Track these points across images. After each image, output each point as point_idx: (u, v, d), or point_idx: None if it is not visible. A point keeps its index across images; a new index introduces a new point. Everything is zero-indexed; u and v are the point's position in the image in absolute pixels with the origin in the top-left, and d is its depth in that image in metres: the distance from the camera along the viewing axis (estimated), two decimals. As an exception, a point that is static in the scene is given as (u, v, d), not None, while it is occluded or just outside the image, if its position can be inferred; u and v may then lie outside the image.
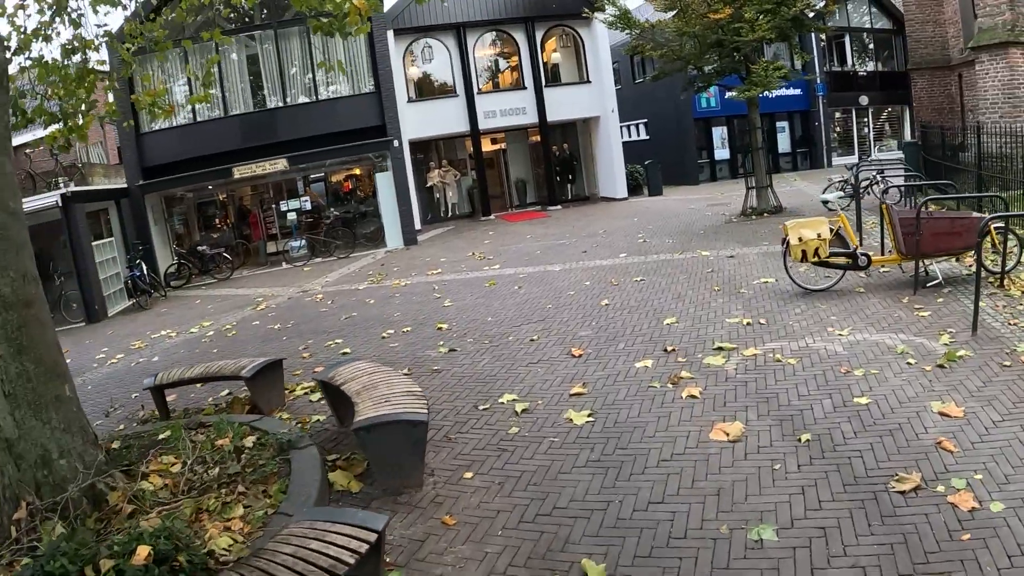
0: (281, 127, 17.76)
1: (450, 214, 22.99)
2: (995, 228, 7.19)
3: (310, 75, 18.08)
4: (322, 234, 18.16)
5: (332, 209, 19.09)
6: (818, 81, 25.38)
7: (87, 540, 4.01)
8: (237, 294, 14.45)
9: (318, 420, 5.84)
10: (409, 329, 8.64)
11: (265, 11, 17.90)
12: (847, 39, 27.11)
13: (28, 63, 6.92)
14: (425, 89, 21.82)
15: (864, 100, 27.07)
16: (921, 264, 7.39)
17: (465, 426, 5.20)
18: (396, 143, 17.88)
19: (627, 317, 7.70)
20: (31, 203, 14.84)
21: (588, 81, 22.37)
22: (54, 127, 7.46)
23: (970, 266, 7.97)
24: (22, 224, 4.53)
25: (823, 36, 25.03)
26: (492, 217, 21.55)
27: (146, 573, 3.10)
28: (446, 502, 4.15)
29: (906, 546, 3.17)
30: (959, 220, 7.34)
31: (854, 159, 24.76)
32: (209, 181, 18.17)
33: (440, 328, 8.40)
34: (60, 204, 14.56)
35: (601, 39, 21.66)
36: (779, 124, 26.54)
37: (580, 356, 6.48)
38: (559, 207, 22.07)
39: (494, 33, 21.92)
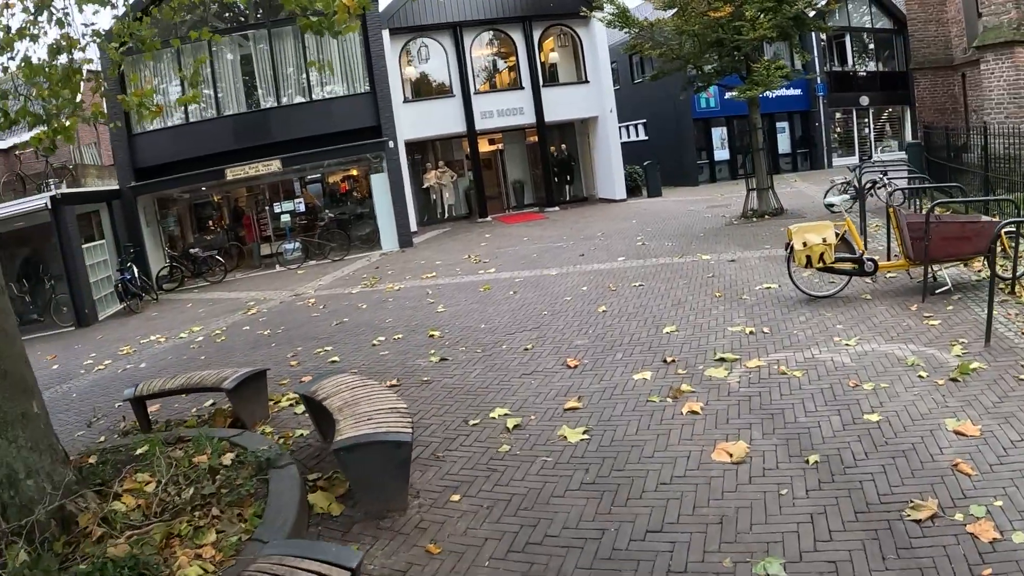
0: (275, 128, 17.50)
1: (447, 216, 22.74)
2: (1005, 233, 6.94)
3: (304, 75, 17.82)
4: (316, 236, 17.90)
5: (327, 211, 18.83)
6: (818, 81, 25.16)
7: (51, 568, 3.77)
8: (229, 298, 14.20)
9: (302, 435, 5.59)
10: (400, 336, 8.39)
11: (260, 12, 17.66)
12: (847, 39, 26.89)
13: (12, 63, 6.72)
14: (421, 89, 21.57)
15: (864, 100, 26.85)
16: (929, 270, 7.14)
17: (454, 443, 4.95)
18: (391, 144, 17.62)
19: (625, 325, 7.45)
20: (20, 206, 14.64)
21: (586, 81, 22.13)
22: (39, 128, 7.25)
23: (979, 271, 7.74)
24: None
25: (823, 36, 24.82)
26: (489, 219, 21.30)
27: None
28: (431, 527, 3.90)
29: (925, 584, 2.93)
30: (969, 224, 7.08)
31: (855, 160, 24.55)
32: (202, 182, 17.93)
33: (432, 335, 8.15)
34: (49, 206, 14.30)
35: (599, 38, 21.42)
36: (779, 124, 26.32)
37: (576, 367, 6.23)
38: (557, 208, 21.82)
39: (491, 32, 21.68)
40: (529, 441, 4.78)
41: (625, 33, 15.88)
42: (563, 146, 23.50)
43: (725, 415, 4.77)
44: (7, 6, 6.83)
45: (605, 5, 14.85)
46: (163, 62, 17.03)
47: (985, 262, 7.45)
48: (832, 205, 8.29)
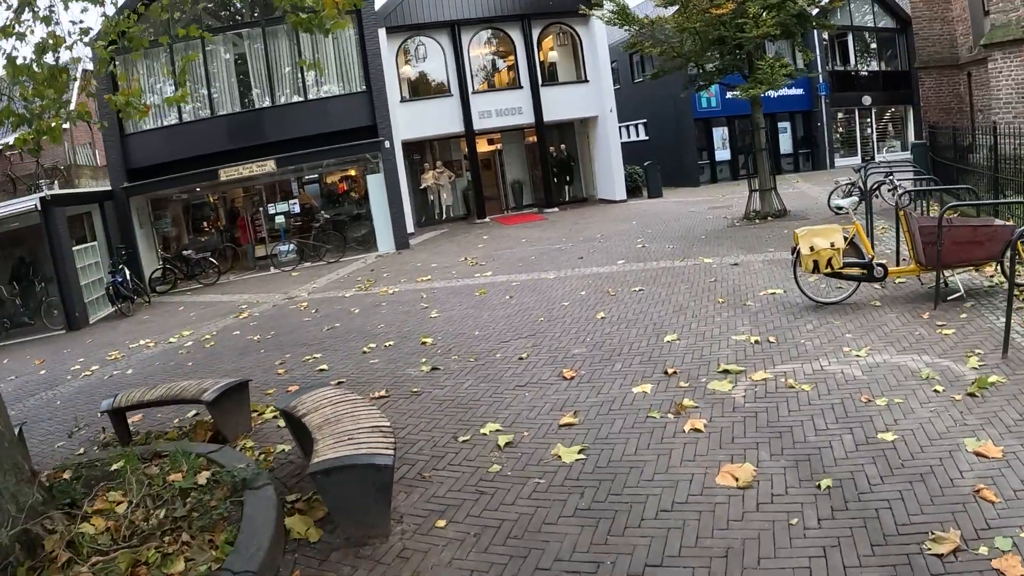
0: (269, 128, 17.23)
1: (444, 216, 22.46)
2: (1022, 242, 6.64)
3: (299, 74, 17.55)
4: (312, 238, 17.62)
5: (323, 212, 18.56)
6: (820, 81, 24.87)
7: (10, 597, 3.53)
8: (221, 300, 13.95)
9: (283, 450, 5.31)
10: (392, 343, 8.12)
11: (257, 11, 17.38)
12: (850, 38, 26.61)
13: None
14: (419, 88, 21.29)
15: (867, 100, 26.56)
16: (941, 275, 6.86)
17: (442, 461, 4.67)
18: (387, 144, 17.34)
19: (624, 332, 7.17)
20: (9, 207, 14.37)
21: (586, 80, 21.85)
22: (23, 129, 7.02)
23: (991, 276, 7.45)
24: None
25: (825, 35, 24.54)
26: (487, 220, 21.03)
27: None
28: (414, 557, 3.63)
29: (952, 631, 2.66)
30: (982, 228, 6.80)
31: (857, 160, 24.27)
32: (195, 183, 17.66)
33: (424, 343, 7.87)
34: (39, 208, 14.04)
35: (599, 37, 21.15)
36: (781, 124, 26.03)
37: (572, 378, 5.95)
38: (556, 209, 21.55)
39: (489, 31, 21.40)
40: (521, 460, 4.50)
41: (625, 31, 15.62)
42: (562, 146, 23.21)
43: (730, 433, 4.49)
44: (-8, 5, 6.58)
45: (605, 3, 14.57)
46: (158, 61, 16.77)
47: (998, 268, 7.18)
48: (841, 208, 7.98)
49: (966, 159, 12.61)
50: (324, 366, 7.54)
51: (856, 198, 8.78)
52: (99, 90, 10.09)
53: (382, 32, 18.85)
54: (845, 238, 7.06)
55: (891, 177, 11.89)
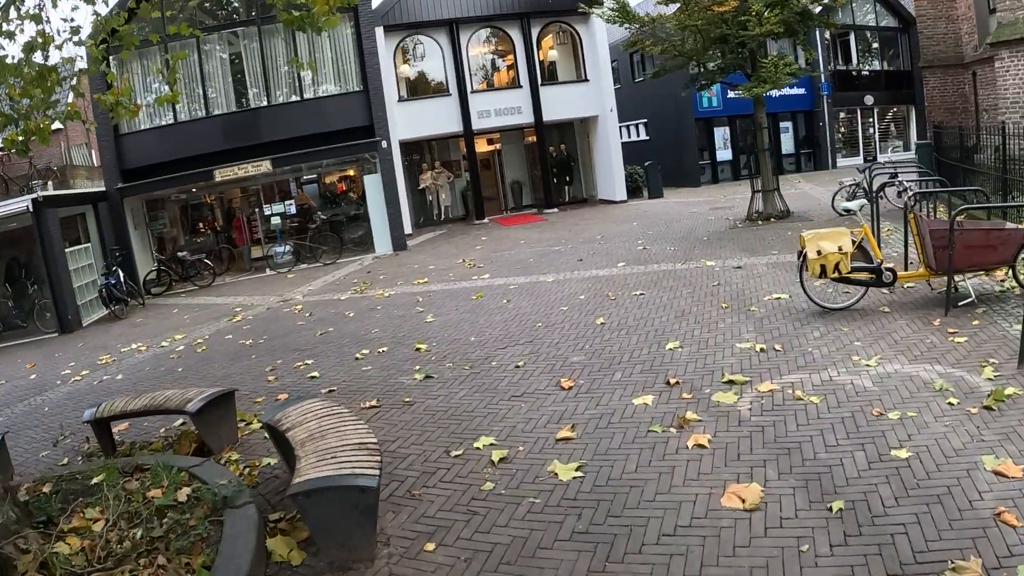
0: (265, 127, 17.01)
1: (443, 217, 22.24)
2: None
3: (295, 74, 17.33)
4: (308, 239, 17.41)
5: (319, 213, 18.34)
6: (822, 80, 24.65)
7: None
8: (216, 303, 13.74)
9: (269, 464, 5.10)
10: (385, 349, 7.90)
11: (253, 11, 17.17)
12: (852, 37, 26.38)
13: None
14: (417, 88, 21.08)
15: (869, 100, 26.34)
16: (952, 280, 6.64)
17: (432, 478, 4.46)
18: (384, 144, 17.12)
19: (625, 339, 6.95)
20: (1, 209, 14.14)
21: (586, 80, 21.62)
22: (10, 129, 6.84)
23: (1002, 281, 7.24)
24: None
25: (828, 34, 24.32)
26: (486, 220, 20.81)
27: None
28: (401, 585, 3.42)
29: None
30: (994, 232, 6.59)
31: (859, 160, 24.05)
32: (190, 184, 17.44)
33: (419, 349, 7.66)
34: (31, 209, 13.82)
35: (599, 36, 20.92)
36: (783, 124, 25.81)
37: (570, 388, 5.73)
38: (555, 210, 21.33)
39: (488, 30, 21.17)
40: (516, 478, 4.29)
41: (625, 30, 15.41)
42: (562, 146, 22.99)
43: (736, 449, 4.27)
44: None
45: (605, 1, 14.37)
46: (153, 61, 16.55)
47: (1010, 272, 6.97)
48: (849, 210, 7.77)
49: (971, 159, 12.39)
50: (315, 373, 7.33)
51: (864, 200, 8.55)
52: (92, 90, 9.91)
53: (379, 31, 18.63)
54: (853, 242, 6.85)
55: (898, 178, 11.67)
